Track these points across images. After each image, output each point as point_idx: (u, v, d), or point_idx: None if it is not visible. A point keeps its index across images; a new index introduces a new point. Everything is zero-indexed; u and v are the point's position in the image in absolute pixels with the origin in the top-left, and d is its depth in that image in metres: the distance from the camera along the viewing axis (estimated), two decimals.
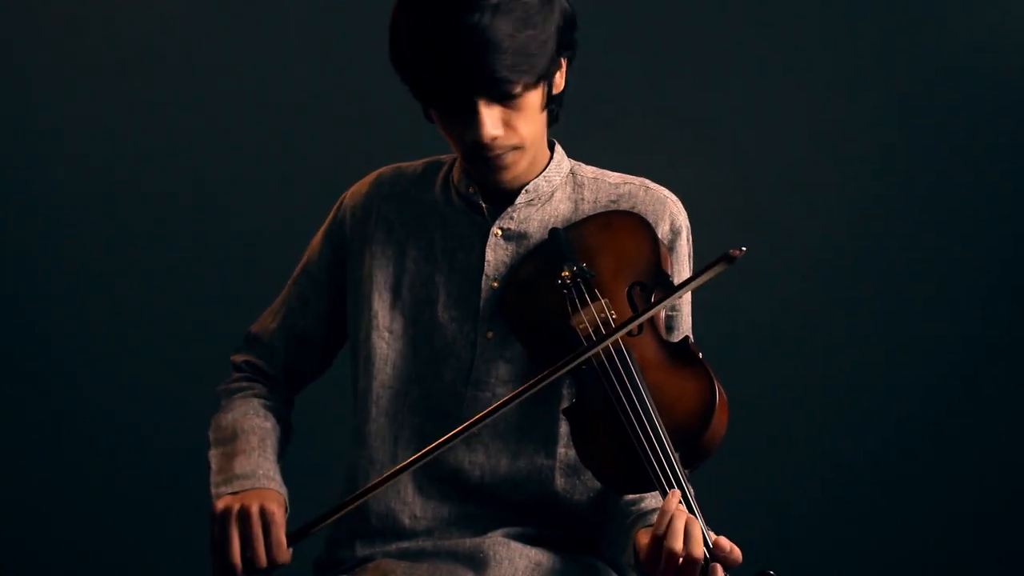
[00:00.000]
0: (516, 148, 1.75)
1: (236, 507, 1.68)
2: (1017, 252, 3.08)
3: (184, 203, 3.03)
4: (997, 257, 3.08)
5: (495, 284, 1.83)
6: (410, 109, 2.87)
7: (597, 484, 1.83)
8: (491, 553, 1.74)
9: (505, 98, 1.69)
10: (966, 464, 3.08)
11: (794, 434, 2.98)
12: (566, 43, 1.76)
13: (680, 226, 1.88)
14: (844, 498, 3.10)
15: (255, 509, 1.67)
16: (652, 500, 1.76)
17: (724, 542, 1.57)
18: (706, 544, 1.56)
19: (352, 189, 1.97)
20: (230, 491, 1.73)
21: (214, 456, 1.83)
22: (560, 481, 1.82)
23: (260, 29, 3.03)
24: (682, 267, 1.86)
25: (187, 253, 3.04)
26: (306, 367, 1.99)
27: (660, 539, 1.55)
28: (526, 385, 1.67)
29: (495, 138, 1.71)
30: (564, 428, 1.81)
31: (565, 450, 1.82)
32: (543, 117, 1.78)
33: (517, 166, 1.78)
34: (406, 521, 1.83)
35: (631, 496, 1.79)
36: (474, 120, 1.69)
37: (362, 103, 3.00)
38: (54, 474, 3.06)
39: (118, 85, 3.01)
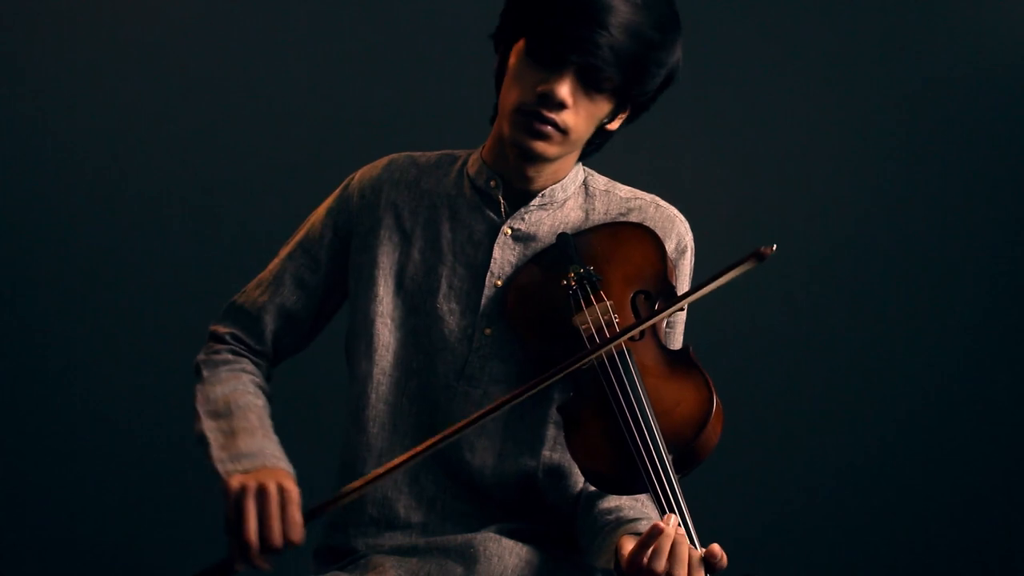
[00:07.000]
0: (561, 131, 1.74)
1: (253, 485, 1.61)
2: (1019, 253, 3.11)
3: (183, 202, 3.01)
4: (999, 258, 3.11)
5: (498, 282, 1.84)
6: (409, 109, 2.90)
7: (578, 487, 1.84)
8: (481, 549, 1.73)
9: (592, 80, 1.71)
10: (966, 465, 3.11)
11: (793, 435, 2.99)
12: (652, 95, 1.82)
13: (686, 245, 1.90)
14: (843, 499, 3.12)
15: (273, 487, 1.61)
16: (629, 511, 1.76)
17: (715, 549, 1.57)
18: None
19: (363, 170, 1.95)
20: (241, 469, 1.66)
21: (211, 430, 1.75)
22: (544, 483, 1.83)
23: (260, 29, 3.02)
24: (683, 286, 1.88)
25: (185, 252, 3.01)
26: (292, 344, 1.96)
27: (642, 551, 1.55)
28: (528, 384, 1.68)
29: (564, 104, 1.71)
30: (552, 431, 1.83)
31: (550, 453, 1.83)
32: (589, 132, 1.79)
33: (549, 147, 1.76)
34: (401, 511, 1.84)
35: (608, 505, 1.79)
36: (556, 78, 1.70)
37: (362, 103, 2.99)
38: (51, 473, 3.02)
39: (118, 85, 2.99)
